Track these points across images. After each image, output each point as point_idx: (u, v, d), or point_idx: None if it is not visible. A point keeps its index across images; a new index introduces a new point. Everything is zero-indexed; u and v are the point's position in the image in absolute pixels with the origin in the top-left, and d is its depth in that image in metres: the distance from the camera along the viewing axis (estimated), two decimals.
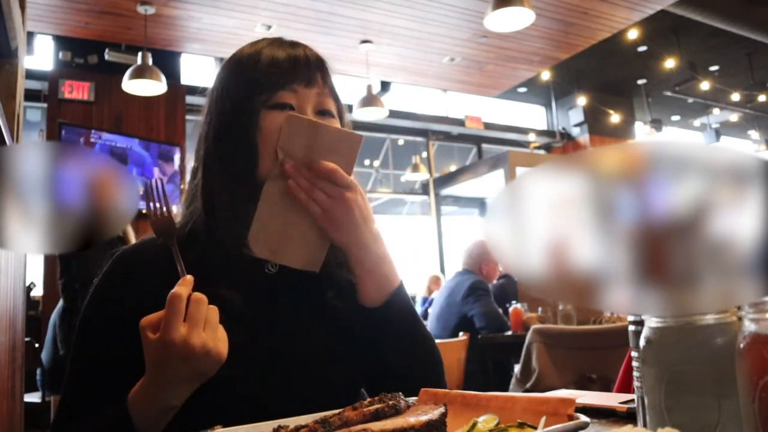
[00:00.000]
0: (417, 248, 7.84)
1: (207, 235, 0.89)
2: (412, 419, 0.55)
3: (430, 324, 3.86)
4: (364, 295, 0.89)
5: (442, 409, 0.58)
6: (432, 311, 3.94)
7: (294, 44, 0.95)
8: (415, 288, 5.95)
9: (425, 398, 0.68)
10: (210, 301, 0.75)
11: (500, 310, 3.75)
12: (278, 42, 0.95)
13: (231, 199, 0.88)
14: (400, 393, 0.65)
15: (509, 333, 3.68)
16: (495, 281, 4.10)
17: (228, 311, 0.80)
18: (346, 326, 0.91)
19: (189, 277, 0.75)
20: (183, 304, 0.71)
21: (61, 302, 3.21)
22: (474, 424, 0.56)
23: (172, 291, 0.72)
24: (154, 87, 4.79)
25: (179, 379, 0.71)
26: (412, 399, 0.67)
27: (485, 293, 3.71)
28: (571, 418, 0.55)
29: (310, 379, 0.86)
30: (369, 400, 0.62)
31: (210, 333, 0.71)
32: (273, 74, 0.90)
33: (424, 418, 0.55)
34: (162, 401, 0.72)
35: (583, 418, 0.55)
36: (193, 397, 0.73)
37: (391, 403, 0.60)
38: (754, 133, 10.09)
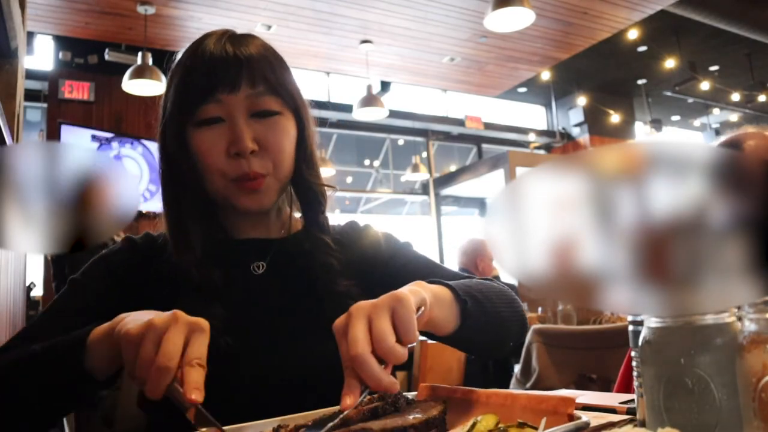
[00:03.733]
0: (417, 248, 7.81)
1: (172, 235, 0.89)
2: (411, 417, 0.55)
3: None
4: (438, 332, 0.72)
5: (441, 407, 0.58)
6: None
7: (220, 41, 0.87)
8: None
9: (425, 394, 0.68)
10: (192, 303, 0.73)
11: None
12: (209, 41, 0.87)
13: (176, 218, 0.88)
14: (400, 391, 0.65)
15: None
16: None
17: (209, 313, 0.76)
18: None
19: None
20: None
21: None
22: (474, 424, 0.56)
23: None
24: (154, 87, 4.78)
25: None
26: (411, 394, 0.67)
27: None
28: (571, 417, 0.55)
29: (306, 381, 0.84)
30: (369, 398, 0.62)
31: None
32: (192, 87, 0.85)
33: (423, 416, 0.55)
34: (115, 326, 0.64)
35: (584, 417, 0.55)
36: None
37: (390, 400, 0.60)
38: None
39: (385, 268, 0.97)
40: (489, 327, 0.81)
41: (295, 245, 0.95)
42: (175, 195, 0.89)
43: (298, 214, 1.00)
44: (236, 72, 0.84)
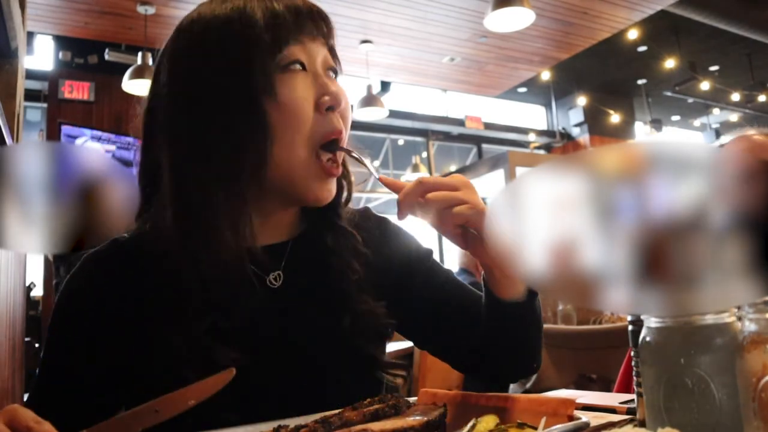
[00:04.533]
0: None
1: (184, 250, 0.70)
2: (411, 419, 0.55)
3: None
4: (509, 289, 0.76)
5: (441, 410, 0.58)
6: None
7: None
8: None
9: (425, 398, 0.68)
10: (192, 322, 0.67)
11: None
12: None
13: (225, 207, 0.70)
14: (401, 393, 0.65)
15: None
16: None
17: (228, 329, 0.70)
18: (358, 347, 0.78)
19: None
20: None
21: None
22: (473, 425, 0.56)
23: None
24: None
25: None
26: (412, 399, 0.67)
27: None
28: (571, 418, 0.55)
29: (319, 397, 0.74)
30: (369, 400, 0.62)
31: None
32: (276, 26, 0.70)
33: (423, 418, 0.56)
34: None
35: (584, 418, 0.55)
36: (204, 412, 0.60)
37: (391, 403, 0.60)
38: None
39: (418, 282, 0.88)
40: (538, 327, 0.82)
41: (312, 245, 0.82)
42: (205, 192, 0.70)
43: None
44: (318, 17, 0.75)
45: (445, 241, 0.74)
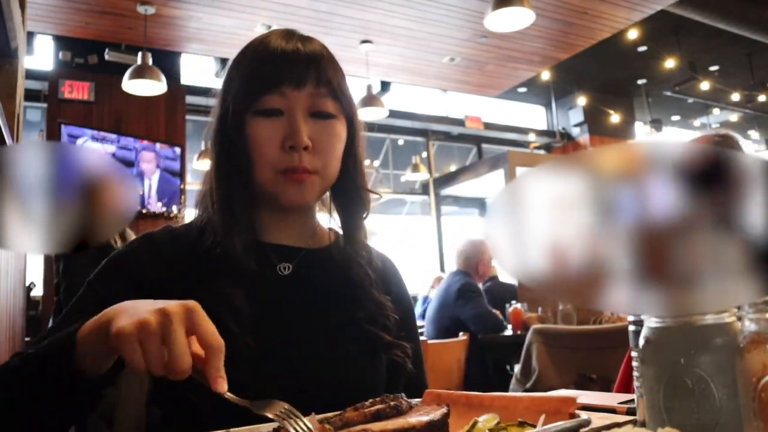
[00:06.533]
0: (417, 248, 7.84)
1: (216, 234, 0.88)
2: (413, 419, 0.55)
3: (426, 325, 3.86)
4: None
5: (444, 410, 0.58)
6: (427, 313, 3.94)
7: (292, 38, 0.90)
8: (416, 288, 5.95)
9: (429, 399, 0.68)
10: (216, 299, 0.76)
11: (495, 311, 3.74)
12: (277, 37, 0.90)
13: (228, 204, 0.88)
14: (403, 394, 0.65)
15: (509, 333, 3.67)
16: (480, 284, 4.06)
17: (234, 310, 0.81)
18: (369, 337, 0.90)
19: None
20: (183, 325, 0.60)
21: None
22: (474, 423, 0.56)
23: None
24: (154, 87, 4.78)
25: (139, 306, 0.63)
26: (415, 400, 0.67)
27: (475, 294, 3.68)
28: (572, 416, 0.55)
29: (323, 385, 0.83)
30: (371, 400, 0.62)
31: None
32: (259, 76, 0.87)
33: (425, 418, 0.55)
34: (107, 324, 0.62)
35: (585, 416, 0.55)
36: (204, 399, 0.66)
37: (392, 403, 0.60)
38: (754, 133, 10.08)
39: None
40: None
41: (326, 254, 0.97)
42: (227, 187, 0.89)
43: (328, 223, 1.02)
44: (304, 69, 0.87)
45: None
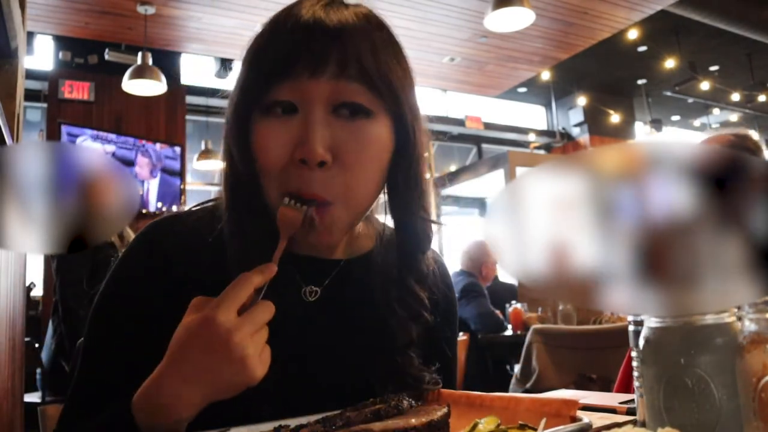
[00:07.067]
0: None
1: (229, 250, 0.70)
2: (414, 419, 0.55)
3: None
4: None
5: (444, 410, 0.58)
6: None
7: (316, 5, 0.65)
8: None
9: (429, 398, 0.68)
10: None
11: (496, 311, 3.74)
12: (298, 7, 0.66)
13: (239, 222, 0.70)
14: (404, 393, 0.64)
15: (509, 333, 3.67)
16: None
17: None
18: (392, 371, 0.72)
19: (272, 267, 0.59)
20: (248, 293, 0.56)
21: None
22: (475, 425, 0.56)
23: (246, 273, 0.56)
24: (154, 87, 4.78)
25: (199, 376, 0.55)
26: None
27: (478, 294, 3.70)
28: (573, 419, 0.55)
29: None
30: (372, 400, 0.61)
31: (257, 343, 0.56)
32: (266, 58, 0.65)
33: (426, 418, 0.55)
34: (171, 406, 0.56)
35: (586, 419, 0.55)
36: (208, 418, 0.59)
37: (393, 403, 0.60)
38: (754, 133, 10.07)
39: (442, 334, 0.81)
40: None
41: (369, 263, 0.76)
42: (235, 198, 0.70)
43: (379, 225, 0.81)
44: (322, 44, 0.62)
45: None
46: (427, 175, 0.74)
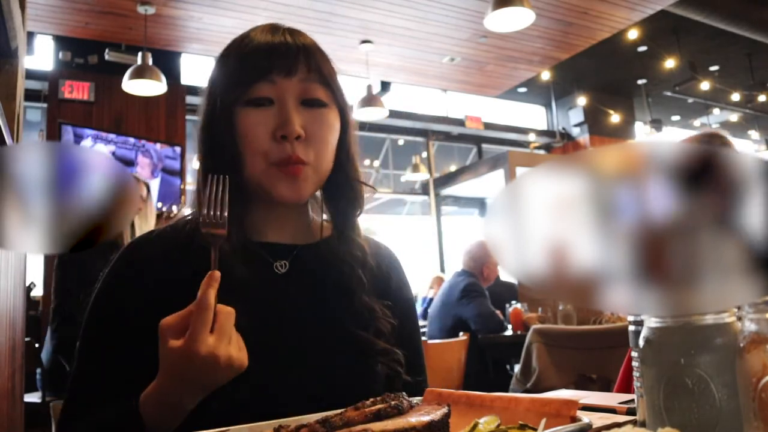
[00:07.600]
0: (417, 248, 7.84)
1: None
2: (413, 419, 0.55)
3: (428, 324, 3.86)
4: None
5: (444, 410, 0.58)
6: (430, 311, 3.95)
7: (278, 31, 0.88)
8: (415, 288, 5.95)
9: (430, 398, 0.68)
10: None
11: (496, 311, 3.74)
12: (264, 30, 0.89)
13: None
14: (404, 393, 0.64)
15: (509, 333, 3.68)
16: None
17: (232, 306, 0.76)
18: (361, 343, 0.87)
19: (216, 273, 0.70)
20: (211, 314, 0.67)
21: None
22: (475, 425, 0.56)
23: (201, 295, 0.68)
24: (154, 87, 4.79)
25: (198, 386, 0.69)
26: (416, 399, 0.67)
27: (479, 294, 3.70)
28: (573, 419, 0.55)
29: (320, 382, 0.82)
30: (372, 399, 0.62)
31: (235, 344, 0.69)
32: (248, 66, 0.85)
33: (426, 418, 0.55)
34: (176, 404, 0.70)
35: (586, 419, 0.55)
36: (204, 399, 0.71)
37: (393, 403, 0.60)
38: (754, 133, 10.08)
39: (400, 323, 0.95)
40: None
41: (319, 250, 0.93)
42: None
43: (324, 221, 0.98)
44: (294, 56, 0.85)
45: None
46: (366, 161, 0.98)
